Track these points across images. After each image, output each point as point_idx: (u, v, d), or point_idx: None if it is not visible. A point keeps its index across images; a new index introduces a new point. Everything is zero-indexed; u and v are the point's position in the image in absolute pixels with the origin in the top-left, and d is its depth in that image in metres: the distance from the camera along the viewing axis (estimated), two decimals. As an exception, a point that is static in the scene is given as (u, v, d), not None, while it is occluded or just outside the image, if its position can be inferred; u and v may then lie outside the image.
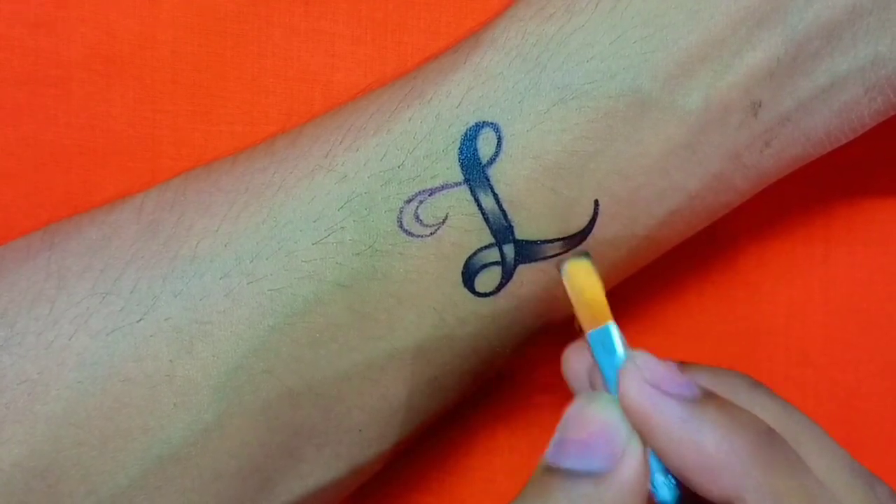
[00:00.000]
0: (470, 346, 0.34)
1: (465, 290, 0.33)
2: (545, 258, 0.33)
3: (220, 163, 0.35)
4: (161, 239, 0.33)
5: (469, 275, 0.33)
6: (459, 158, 0.32)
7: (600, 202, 0.33)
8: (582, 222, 0.33)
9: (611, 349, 0.30)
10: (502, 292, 0.33)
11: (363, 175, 0.32)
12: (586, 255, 0.31)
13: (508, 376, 0.42)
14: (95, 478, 0.32)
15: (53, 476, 0.32)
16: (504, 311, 0.34)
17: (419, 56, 0.39)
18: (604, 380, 0.30)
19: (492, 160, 0.32)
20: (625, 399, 0.29)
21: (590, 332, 0.30)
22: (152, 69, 0.39)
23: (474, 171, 0.32)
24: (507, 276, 0.33)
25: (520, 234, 0.32)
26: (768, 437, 0.29)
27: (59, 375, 0.32)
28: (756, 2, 0.32)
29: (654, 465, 0.30)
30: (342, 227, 0.32)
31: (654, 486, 0.30)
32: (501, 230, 0.32)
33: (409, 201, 0.32)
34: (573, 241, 0.33)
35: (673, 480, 0.30)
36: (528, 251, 0.33)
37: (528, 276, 0.33)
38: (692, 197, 0.33)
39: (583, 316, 0.31)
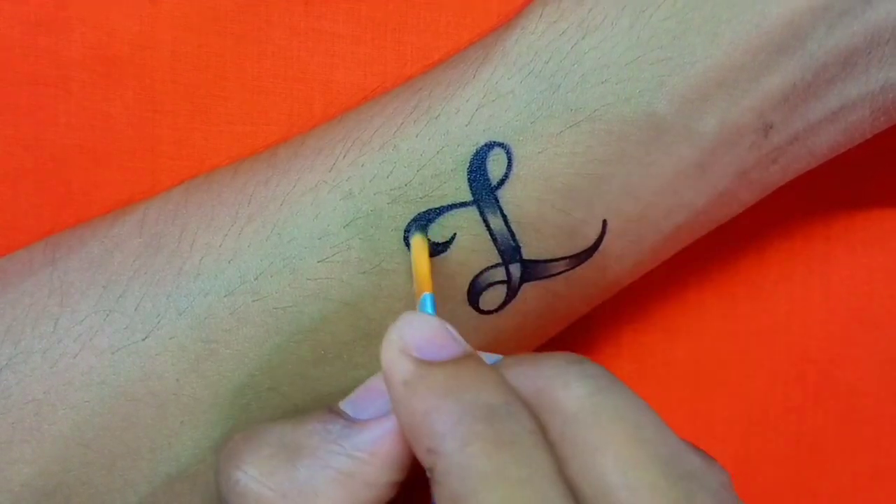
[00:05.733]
0: None
1: (470, 308, 0.33)
2: (550, 276, 0.33)
3: (222, 173, 0.35)
4: (164, 254, 0.33)
5: (474, 293, 0.33)
6: (469, 179, 0.32)
7: (609, 222, 0.32)
8: (589, 241, 0.33)
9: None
10: (506, 310, 0.33)
11: (369, 192, 0.32)
12: (423, 230, 0.32)
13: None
14: (104, 497, 0.32)
15: (62, 496, 0.32)
16: (506, 328, 0.34)
17: (419, 56, 0.39)
18: None
19: (502, 181, 0.32)
20: (382, 359, 0.28)
21: (418, 298, 0.30)
22: (152, 69, 0.39)
23: (484, 192, 0.32)
24: (511, 295, 0.33)
25: (527, 253, 0.32)
26: (485, 414, 0.26)
27: (66, 395, 0.32)
28: (777, 27, 0.31)
29: None
30: (348, 247, 0.32)
31: None
32: (509, 250, 0.32)
33: (416, 220, 0.32)
34: (579, 259, 0.33)
35: None
36: (533, 270, 0.33)
37: (532, 294, 0.33)
38: (698, 213, 0.33)
39: (416, 284, 0.31)
